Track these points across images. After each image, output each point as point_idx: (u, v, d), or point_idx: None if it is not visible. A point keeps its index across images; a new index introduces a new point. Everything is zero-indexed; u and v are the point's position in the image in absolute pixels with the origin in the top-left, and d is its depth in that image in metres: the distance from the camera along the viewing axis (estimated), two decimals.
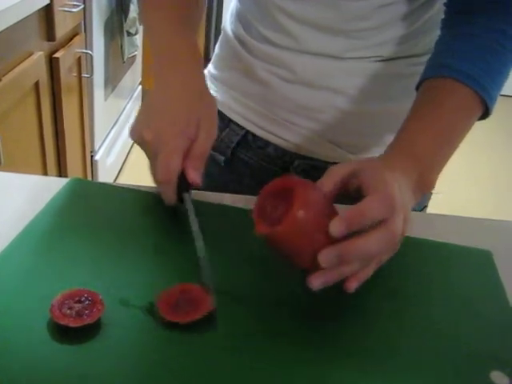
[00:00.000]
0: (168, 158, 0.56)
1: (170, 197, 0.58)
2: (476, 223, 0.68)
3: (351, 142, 0.76)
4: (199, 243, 0.53)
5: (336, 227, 0.45)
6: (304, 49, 0.70)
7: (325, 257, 0.45)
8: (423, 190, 0.56)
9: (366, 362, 0.46)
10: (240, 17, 0.77)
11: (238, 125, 0.79)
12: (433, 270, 0.58)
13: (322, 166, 0.77)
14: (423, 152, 0.56)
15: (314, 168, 0.77)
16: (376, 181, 0.50)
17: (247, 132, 0.79)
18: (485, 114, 0.61)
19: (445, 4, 0.64)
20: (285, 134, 0.76)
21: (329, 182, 0.51)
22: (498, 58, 0.59)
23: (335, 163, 0.76)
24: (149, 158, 0.60)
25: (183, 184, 0.57)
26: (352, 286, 0.48)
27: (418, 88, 0.62)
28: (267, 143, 0.78)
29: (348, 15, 0.66)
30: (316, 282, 0.46)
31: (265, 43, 0.73)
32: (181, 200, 0.58)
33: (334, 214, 0.47)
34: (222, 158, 0.81)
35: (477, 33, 0.60)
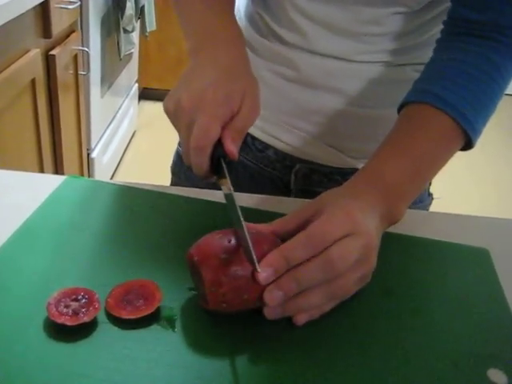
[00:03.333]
0: (207, 124, 0.51)
1: (201, 166, 0.53)
2: (473, 221, 0.68)
3: (353, 146, 0.75)
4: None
5: (263, 278, 0.45)
6: (312, 48, 0.69)
7: (268, 296, 0.45)
8: (391, 219, 0.54)
9: (363, 361, 0.46)
10: (247, 13, 0.76)
11: None
12: (430, 267, 0.58)
13: (322, 170, 0.76)
14: (392, 182, 0.55)
15: (315, 172, 0.76)
16: (333, 207, 0.50)
17: (247, 134, 0.77)
18: (467, 146, 0.59)
19: (443, 22, 0.63)
20: (286, 137, 0.76)
21: (280, 221, 0.51)
22: (485, 90, 0.58)
23: (336, 168, 0.76)
24: (180, 127, 0.55)
25: (219, 153, 0.52)
26: (300, 320, 0.47)
27: (399, 110, 0.60)
28: (267, 146, 0.77)
29: (361, 19, 0.66)
30: (271, 315, 0.47)
31: (272, 40, 0.72)
32: (213, 172, 0.54)
33: (267, 253, 0.46)
34: None
35: (468, 61, 0.58)
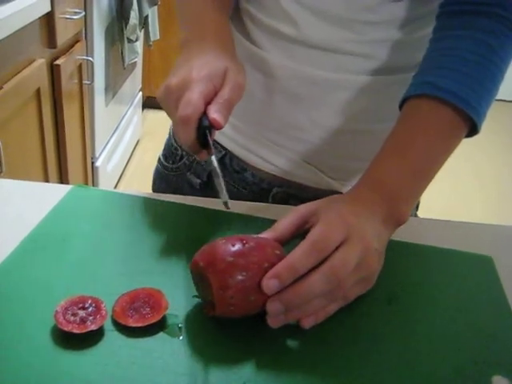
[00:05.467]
0: (191, 96, 0.54)
1: (188, 137, 0.55)
2: (477, 228, 0.68)
3: (334, 165, 0.73)
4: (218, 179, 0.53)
5: (269, 288, 0.46)
6: (301, 37, 0.67)
7: (271, 307, 0.46)
8: (396, 221, 0.55)
9: (367, 369, 0.46)
10: (233, 15, 0.74)
11: (216, 146, 0.76)
12: (433, 275, 0.59)
13: (300, 195, 0.75)
14: (392, 185, 0.55)
15: (292, 197, 0.75)
16: (327, 212, 0.50)
17: (225, 155, 0.76)
18: (473, 131, 0.58)
19: (439, 5, 0.62)
20: (264, 153, 0.74)
21: (281, 225, 0.52)
22: (484, 73, 0.57)
23: (314, 191, 0.74)
24: (169, 107, 0.57)
25: (204, 125, 0.55)
26: (307, 323, 0.48)
27: (401, 107, 0.60)
28: (244, 168, 0.76)
29: (354, 4, 0.64)
30: (274, 324, 0.47)
31: (256, 39, 0.70)
32: (201, 145, 0.56)
33: (270, 256, 0.47)
34: (197, 181, 0.78)
35: (463, 47, 0.58)
